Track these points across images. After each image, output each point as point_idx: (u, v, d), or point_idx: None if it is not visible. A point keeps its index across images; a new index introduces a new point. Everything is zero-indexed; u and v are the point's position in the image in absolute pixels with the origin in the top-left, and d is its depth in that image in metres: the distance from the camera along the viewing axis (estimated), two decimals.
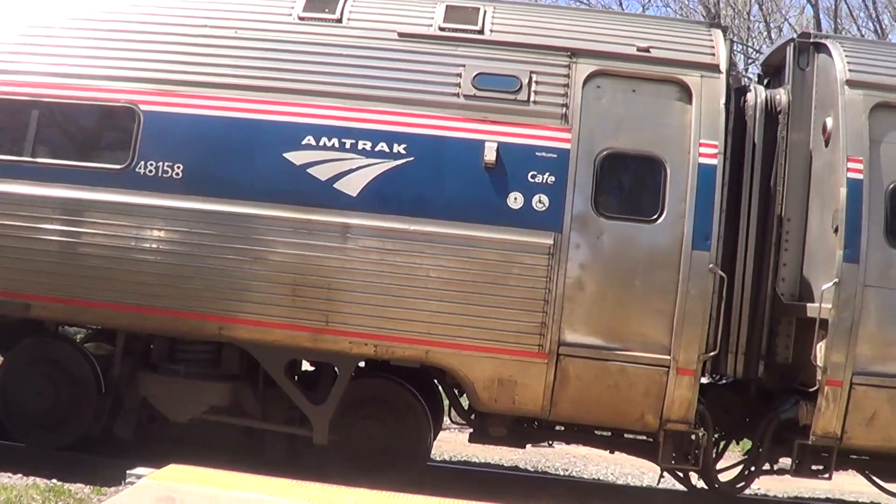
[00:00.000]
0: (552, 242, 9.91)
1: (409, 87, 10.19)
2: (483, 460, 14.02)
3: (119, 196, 10.08)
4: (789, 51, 10.85)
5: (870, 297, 9.96)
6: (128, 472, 9.08)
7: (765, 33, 28.88)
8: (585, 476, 14.12)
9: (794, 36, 11.03)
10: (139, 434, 10.75)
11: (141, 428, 10.76)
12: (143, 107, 10.21)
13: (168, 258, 10.08)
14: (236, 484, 8.72)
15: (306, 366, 11.36)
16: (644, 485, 13.75)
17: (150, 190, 10.07)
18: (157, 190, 10.07)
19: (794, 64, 10.76)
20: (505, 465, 14.05)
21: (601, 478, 14.10)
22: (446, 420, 11.88)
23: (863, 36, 26.16)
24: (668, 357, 9.88)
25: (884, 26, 27.64)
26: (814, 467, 10.50)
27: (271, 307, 10.03)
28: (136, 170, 10.10)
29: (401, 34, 10.36)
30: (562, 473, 14.11)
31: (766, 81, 11.68)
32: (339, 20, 10.46)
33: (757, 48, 28.09)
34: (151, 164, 10.10)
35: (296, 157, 10.06)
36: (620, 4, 30.26)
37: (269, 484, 8.88)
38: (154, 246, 10.11)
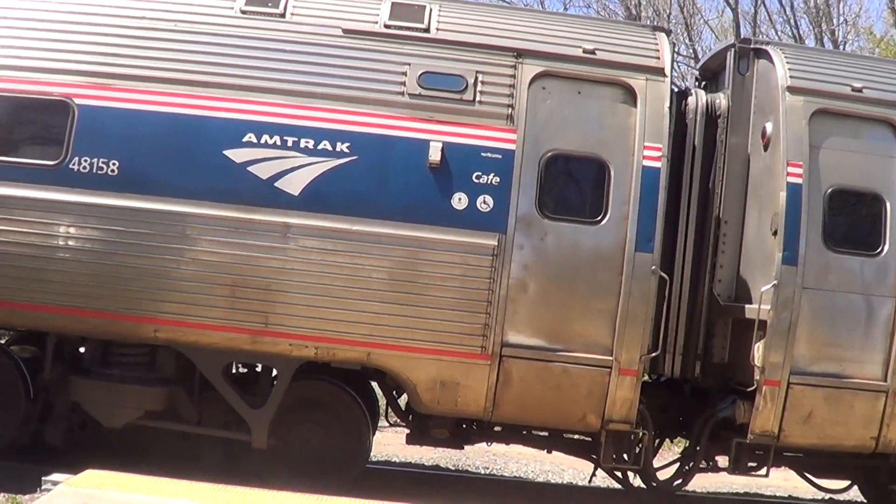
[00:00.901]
0: (496, 243, 9.86)
1: (353, 85, 10.02)
2: (403, 459, 13.97)
3: (51, 193, 9.71)
4: (729, 56, 11.02)
5: (807, 299, 10.17)
6: (43, 478, 8.86)
7: (685, 36, 29.30)
8: (506, 474, 14.16)
9: (735, 42, 11.15)
10: (71, 441, 10.38)
11: (72, 434, 10.39)
12: (77, 101, 9.84)
13: (102, 258, 9.74)
14: (154, 489, 8.60)
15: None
16: (564, 482, 13.85)
17: (84, 187, 9.72)
18: (92, 187, 9.73)
19: (734, 69, 10.91)
20: (426, 463, 14.01)
21: (522, 475, 14.15)
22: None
23: (780, 40, 26.68)
24: (611, 358, 9.94)
25: (801, 31, 28.25)
26: (749, 465, 10.67)
27: (209, 309, 9.79)
28: (70, 166, 9.75)
29: (345, 31, 10.17)
30: (483, 472, 14.12)
31: (702, 85, 11.80)
32: (283, 15, 10.23)
33: (676, 50, 28.45)
34: (86, 161, 9.75)
35: (236, 155, 9.83)
36: (541, 3, 30.31)
37: (191, 489, 8.77)
38: (88, 246, 9.76)
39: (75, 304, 9.74)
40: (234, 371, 10.83)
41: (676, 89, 10.98)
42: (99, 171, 9.76)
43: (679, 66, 27.12)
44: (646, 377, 10.92)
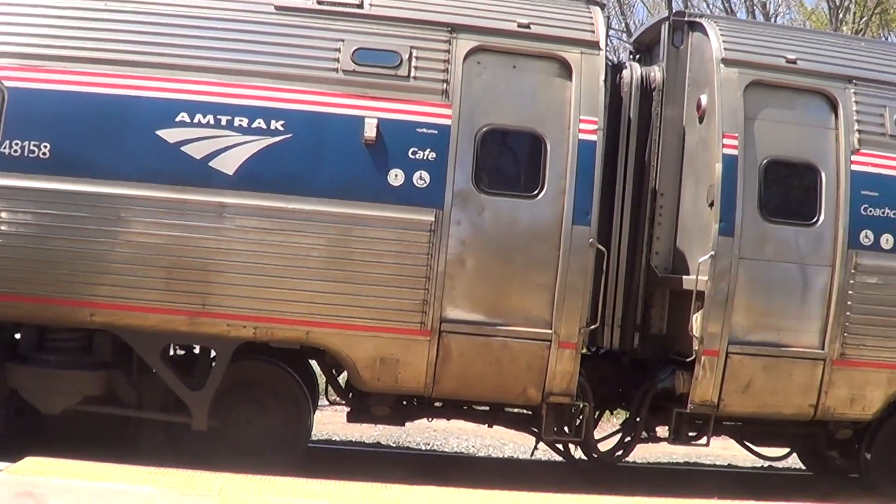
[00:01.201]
0: (433, 219, 9.84)
1: (286, 62, 9.91)
2: (344, 438, 13.95)
3: None
4: (664, 29, 11.04)
5: (744, 270, 10.27)
6: None
7: (617, 8, 29.27)
8: (447, 450, 14.20)
9: (670, 15, 11.16)
10: (10, 428, 10.23)
11: (11, 421, 10.25)
12: (7, 83, 9.64)
13: (35, 242, 9.58)
14: (97, 475, 8.50)
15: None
16: (505, 456, 13.92)
17: (15, 171, 9.52)
18: (23, 171, 9.53)
19: (669, 42, 10.95)
20: (367, 441, 14.01)
21: (463, 451, 14.20)
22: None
23: (712, 13, 26.74)
24: (550, 331, 9.98)
25: (733, 4, 28.31)
26: (689, 434, 10.80)
27: (145, 291, 9.67)
28: (1, 150, 9.56)
29: (278, 7, 10.04)
30: (424, 448, 14.14)
31: (637, 59, 11.80)
32: None
33: (610, 25, 28.41)
34: (17, 144, 9.56)
35: (169, 135, 9.69)
36: None
37: (130, 473, 8.68)
38: (20, 230, 9.59)
39: (8, 289, 9.56)
40: (172, 353, 10.76)
41: (611, 63, 10.98)
42: (30, 155, 9.57)
43: (612, 41, 27.14)
44: (585, 350, 10.98)
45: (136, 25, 9.88)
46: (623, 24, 28.35)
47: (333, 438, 13.83)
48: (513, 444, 13.79)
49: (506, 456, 13.88)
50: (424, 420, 11.51)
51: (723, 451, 13.74)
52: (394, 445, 13.99)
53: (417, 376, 9.99)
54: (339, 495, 8.74)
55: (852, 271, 10.38)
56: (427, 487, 9.09)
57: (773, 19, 27.25)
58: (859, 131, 10.51)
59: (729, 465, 13.92)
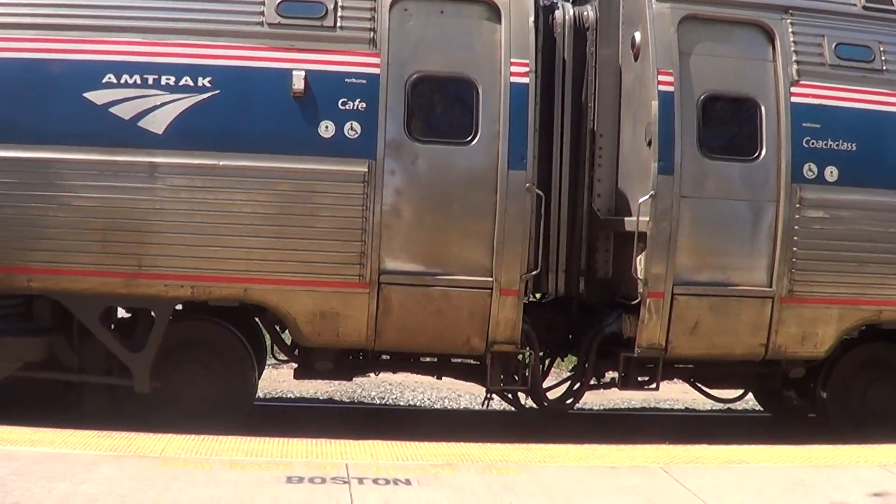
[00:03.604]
0: (366, 170, 9.75)
1: (211, 18, 9.84)
2: (297, 395, 13.94)
3: None
4: None
5: (686, 208, 10.13)
6: None
7: None
8: (401, 403, 14.15)
9: None
10: None
11: None
12: None
13: None
14: (39, 440, 8.49)
15: (123, 313, 11.01)
16: (461, 407, 13.87)
17: None
18: None
19: None
20: (320, 397, 13.98)
21: (417, 404, 14.16)
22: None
23: None
24: (491, 279, 9.88)
25: None
26: (640, 379, 10.68)
27: (81, 255, 9.67)
28: None
29: None
30: (378, 402, 14.11)
31: None
32: None
33: None
34: None
35: (97, 97, 9.64)
36: None
37: (73, 437, 8.66)
38: None
39: None
40: (117, 316, 10.76)
41: (544, 4, 10.82)
42: None
43: None
44: (532, 297, 10.87)
45: None
46: None
47: (287, 396, 13.82)
48: (468, 395, 13.74)
49: (461, 407, 13.83)
50: (379, 375, 11.43)
51: (682, 394, 13.61)
52: (347, 401, 13.94)
53: (358, 329, 9.92)
54: (283, 452, 8.67)
55: (797, 206, 10.22)
56: (373, 441, 9.01)
57: None
58: (798, 62, 10.32)
59: (686, 408, 13.80)
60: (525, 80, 9.88)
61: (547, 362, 11.34)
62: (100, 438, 8.69)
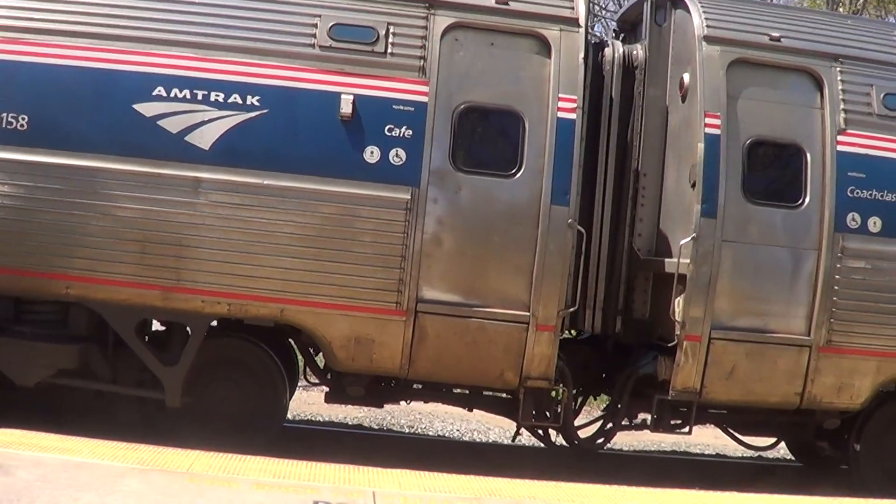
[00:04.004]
0: (409, 197, 9.75)
1: (263, 38, 9.88)
2: (327, 419, 13.89)
3: None
4: (646, 7, 10.92)
5: (727, 253, 10.07)
6: None
7: None
8: (430, 433, 14.09)
9: None
10: None
11: None
12: None
13: (13, 214, 9.62)
14: (67, 448, 8.50)
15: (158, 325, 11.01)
16: (490, 441, 13.78)
17: None
18: (1, 142, 9.59)
19: (651, 20, 10.82)
20: (350, 422, 13.93)
21: (447, 434, 14.09)
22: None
23: None
24: (528, 313, 9.83)
25: None
26: (673, 422, 10.58)
27: (120, 265, 9.68)
28: None
29: None
30: (407, 431, 14.04)
31: (622, 37, 11.68)
32: None
33: (604, 6, 28.17)
34: None
35: (146, 109, 9.70)
36: None
37: (101, 447, 8.66)
38: None
39: None
40: (152, 329, 10.76)
41: (594, 41, 10.86)
42: (8, 126, 9.63)
43: (606, 22, 26.78)
44: (567, 334, 10.82)
45: None
46: (618, 6, 27.92)
47: (317, 419, 13.77)
48: (498, 428, 13.66)
49: (490, 441, 13.74)
50: (404, 402, 11.39)
51: (713, 440, 13.48)
52: (376, 427, 13.88)
53: (393, 357, 9.88)
54: (311, 476, 8.66)
55: (839, 255, 10.12)
56: (401, 471, 8.98)
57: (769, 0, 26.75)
58: (845, 111, 10.27)
59: (717, 454, 13.66)
60: (572, 115, 9.88)
61: (579, 400, 11.25)
62: (128, 450, 8.70)
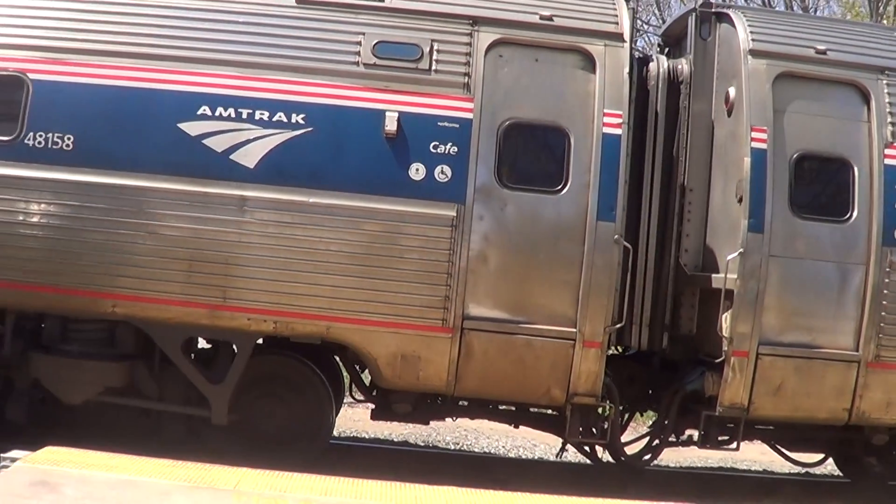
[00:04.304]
0: (455, 214, 9.74)
1: (307, 56, 9.92)
2: (373, 435, 13.88)
3: (6, 169, 9.66)
4: (691, 21, 10.87)
5: (775, 268, 10.00)
6: (1, 455, 8.72)
7: (654, 5, 28.96)
8: (476, 450, 14.05)
9: (696, 6, 10.95)
10: (33, 417, 10.31)
11: (33, 411, 10.33)
12: (31, 76, 9.79)
13: (59, 233, 9.70)
14: (114, 466, 8.51)
15: (204, 343, 11.05)
16: (535, 457, 13.74)
17: (39, 162, 9.67)
18: (47, 162, 9.68)
19: (696, 34, 10.77)
20: (395, 439, 13.93)
21: (492, 451, 14.05)
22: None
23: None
24: (574, 330, 9.79)
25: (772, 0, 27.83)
26: (720, 438, 10.51)
27: (166, 283, 9.72)
28: (25, 141, 9.69)
29: (299, 1, 10.08)
30: (452, 448, 14.02)
31: (666, 52, 11.63)
32: None
33: (646, 20, 28.19)
34: (41, 136, 9.70)
35: (191, 128, 9.75)
36: None
37: (147, 465, 8.68)
38: (44, 221, 9.71)
39: (31, 279, 9.69)
40: (197, 346, 10.79)
41: (638, 56, 10.83)
42: (54, 146, 9.71)
43: (649, 37, 26.79)
44: (614, 350, 10.77)
45: (158, 19, 10.00)
46: (661, 21, 27.92)
47: (362, 436, 13.77)
48: (544, 444, 13.61)
49: (535, 457, 13.70)
50: (450, 419, 11.37)
51: (760, 456, 13.38)
52: (422, 444, 13.88)
53: (439, 374, 9.86)
54: (357, 493, 8.65)
55: (887, 269, 10.03)
56: (447, 488, 8.95)
57: (812, 12, 26.59)
58: (893, 123, 10.20)
59: (764, 470, 13.58)
60: (618, 131, 9.85)
61: (626, 416, 11.19)
62: (175, 468, 8.70)
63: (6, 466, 8.50)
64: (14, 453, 8.69)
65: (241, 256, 9.71)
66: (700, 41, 10.71)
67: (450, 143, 9.81)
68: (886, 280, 10.05)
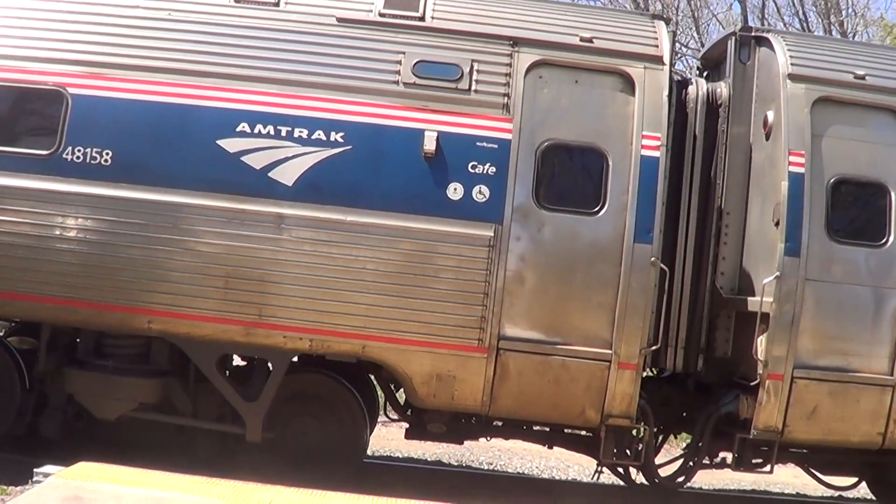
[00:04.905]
0: (492, 234, 9.73)
1: (347, 74, 9.93)
2: (406, 454, 13.86)
3: (45, 183, 9.66)
4: (730, 44, 10.87)
5: (811, 291, 9.98)
6: (35, 470, 8.72)
7: (692, 28, 29.03)
8: (510, 470, 14.03)
9: (736, 30, 10.99)
10: (66, 432, 10.30)
11: (67, 426, 10.32)
12: (71, 90, 9.81)
13: (96, 248, 9.69)
14: (146, 482, 8.50)
15: (238, 360, 11.03)
16: (569, 478, 13.71)
17: (77, 177, 9.67)
18: (86, 177, 9.68)
19: (735, 57, 10.76)
20: (429, 459, 13.90)
21: (526, 472, 14.03)
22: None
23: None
24: (610, 351, 9.78)
25: (810, 23, 27.90)
26: (754, 461, 10.49)
27: (202, 300, 9.72)
28: (64, 156, 9.70)
29: (340, 19, 10.09)
30: (486, 468, 13.99)
31: (705, 75, 11.63)
32: (277, 4, 10.15)
33: (685, 43, 28.25)
34: (80, 150, 9.71)
35: (230, 145, 9.75)
36: None
37: (180, 482, 8.67)
38: (81, 235, 9.70)
39: (67, 294, 9.69)
40: (232, 363, 10.77)
41: (677, 79, 10.83)
42: (92, 161, 9.72)
43: (687, 60, 26.87)
44: (648, 372, 10.76)
45: (198, 35, 10.02)
46: (699, 44, 28.01)
47: (395, 455, 13.75)
48: (578, 466, 13.58)
49: (569, 478, 13.66)
50: (484, 439, 11.32)
51: (793, 479, 13.35)
52: (455, 464, 13.86)
53: (474, 394, 9.85)
54: None
55: None
56: None
57: (850, 38, 26.61)
58: None
59: (797, 494, 13.56)
60: (656, 153, 9.86)
61: (660, 438, 11.17)
62: (208, 485, 8.69)
63: (39, 481, 8.51)
64: (47, 468, 8.68)
65: (278, 274, 9.70)
66: (739, 65, 10.71)
67: (488, 164, 9.80)
68: None
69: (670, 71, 10.19)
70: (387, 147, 9.82)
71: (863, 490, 12.07)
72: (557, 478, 13.77)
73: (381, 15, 10.15)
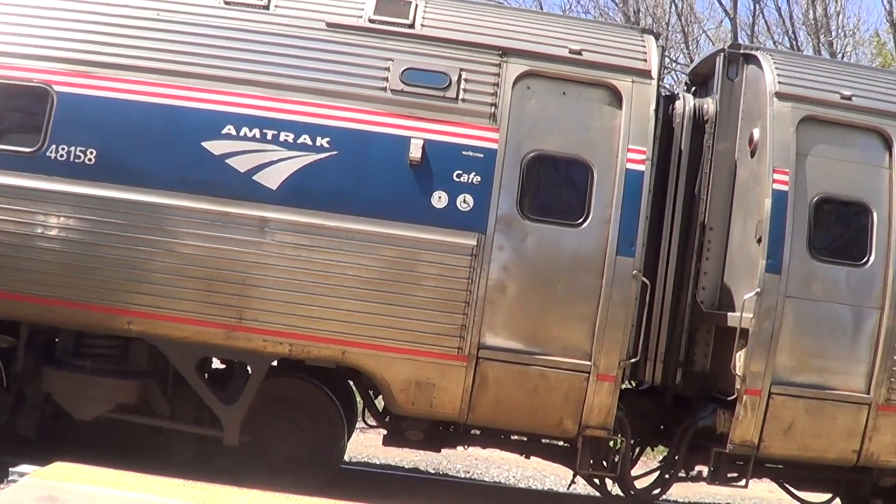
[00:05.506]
0: (475, 243, 9.73)
1: (335, 79, 9.89)
2: (383, 461, 13.86)
3: (27, 181, 9.58)
4: (719, 61, 10.89)
5: (790, 308, 10.03)
6: (10, 469, 8.65)
7: (682, 43, 29.13)
8: (487, 479, 14.05)
9: (725, 46, 11.01)
10: (44, 432, 10.26)
11: (44, 426, 10.27)
12: (57, 87, 9.73)
13: (77, 248, 9.62)
14: (122, 483, 8.44)
15: (218, 363, 11.00)
16: (545, 488, 13.75)
17: (60, 175, 9.59)
18: (69, 176, 9.60)
19: (723, 74, 10.79)
20: (406, 466, 13.91)
21: (502, 481, 14.05)
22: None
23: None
24: (589, 363, 9.79)
25: (800, 42, 28.03)
26: (729, 475, 10.56)
27: (183, 302, 9.66)
28: (47, 154, 9.62)
29: (329, 24, 10.05)
30: (463, 476, 14.01)
31: (693, 90, 11.66)
32: (266, 7, 10.09)
33: (674, 58, 28.31)
34: (63, 149, 9.63)
35: (214, 147, 9.71)
36: (540, 6, 30.15)
37: (157, 484, 8.61)
38: (63, 234, 9.63)
39: (46, 292, 9.61)
40: (212, 366, 10.73)
41: (665, 93, 10.85)
42: (76, 160, 9.64)
43: (676, 75, 26.95)
44: (627, 384, 10.79)
45: (186, 36, 9.95)
46: (689, 59, 28.09)
47: (373, 461, 13.74)
48: (554, 476, 13.59)
49: (546, 488, 13.70)
50: (461, 447, 11.35)
51: (768, 493, 13.41)
52: (433, 472, 13.86)
53: (453, 402, 9.85)
54: None
55: None
56: None
57: (840, 58, 26.71)
58: None
59: None
60: (641, 167, 9.87)
61: (637, 450, 11.21)
62: (184, 488, 8.64)
63: (14, 481, 8.44)
64: (23, 468, 8.60)
65: (259, 277, 9.66)
66: (727, 81, 10.73)
67: (473, 173, 9.80)
68: None
69: (658, 85, 10.18)
70: (372, 153, 9.79)
71: None
72: (534, 487, 13.80)
73: (371, 21, 10.10)
